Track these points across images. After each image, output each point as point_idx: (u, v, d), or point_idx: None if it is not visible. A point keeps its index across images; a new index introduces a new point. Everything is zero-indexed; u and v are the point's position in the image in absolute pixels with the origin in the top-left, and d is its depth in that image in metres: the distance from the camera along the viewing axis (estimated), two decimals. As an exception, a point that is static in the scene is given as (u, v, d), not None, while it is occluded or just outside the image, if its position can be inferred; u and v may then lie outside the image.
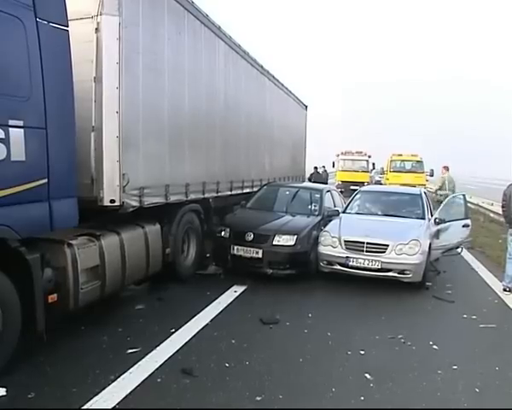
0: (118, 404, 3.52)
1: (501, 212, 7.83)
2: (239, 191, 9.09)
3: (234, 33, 8.45)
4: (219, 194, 8.06)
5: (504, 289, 7.03)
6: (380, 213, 8.30)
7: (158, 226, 6.10)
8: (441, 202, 9.01)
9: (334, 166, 27.77)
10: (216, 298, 6.11)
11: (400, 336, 5.08)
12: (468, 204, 10.65)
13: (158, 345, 4.54)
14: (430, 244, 7.22)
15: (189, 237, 7.19)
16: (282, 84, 12.55)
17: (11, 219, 3.75)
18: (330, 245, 7.16)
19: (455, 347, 4.99)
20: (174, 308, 5.78)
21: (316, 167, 20.48)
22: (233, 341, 4.80)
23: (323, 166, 21.78)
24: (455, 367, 4.41)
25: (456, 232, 8.06)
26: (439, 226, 7.84)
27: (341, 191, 14.70)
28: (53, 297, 4.20)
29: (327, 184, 17.21)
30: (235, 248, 7.15)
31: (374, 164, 28.04)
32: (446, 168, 12.93)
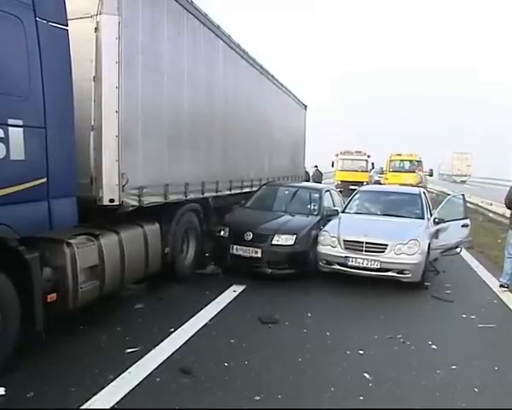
0: (117, 404, 3.51)
1: (500, 212, 7.85)
2: (238, 191, 9.08)
3: (233, 33, 8.45)
4: (219, 193, 8.06)
5: (502, 286, 7.08)
6: (379, 212, 8.30)
7: (157, 226, 6.10)
8: None
9: (333, 165, 27.82)
10: (215, 298, 6.11)
11: (399, 336, 5.08)
12: (468, 204, 10.66)
13: (157, 344, 4.54)
14: (429, 244, 7.22)
15: (189, 236, 7.19)
16: (282, 84, 12.54)
17: (10, 218, 3.75)
18: (329, 245, 7.16)
19: (454, 347, 5.00)
20: (173, 308, 5.78)
21: None
22: (232, 340, 4.80)
23: (316, 166, 21.43)
24: (454, 367, 4.42)
25: (455, 232, 8.07)
26: (439, 226, 7.85)
27: (340, 191, 14.69)
28: (52, 297, 4.19)
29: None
30: (235, 247, 7.15)
31: (373, 164, 28.10)
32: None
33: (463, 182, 46.78)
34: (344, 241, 7.06)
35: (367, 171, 27.10)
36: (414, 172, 23.06)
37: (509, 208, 7.29)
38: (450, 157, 50.61)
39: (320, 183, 17.99)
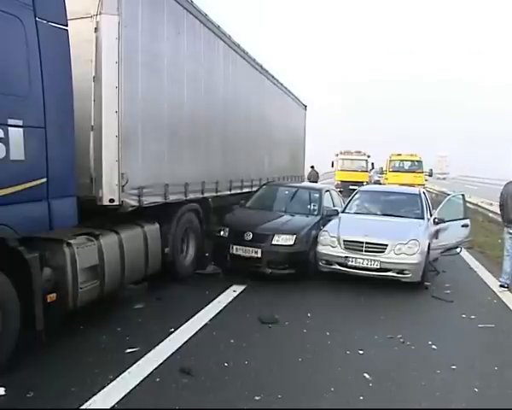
0: (117, 403, 3.51)
1: (499, 211, 7.88)
2: (238, 191, 9.09)
3: (233, 33, 8.45)
4: (218, 193, 8.06)
5: (502, 286, 7.11)
6: (379, 212, 8.29)
7: (157, 226, 6.10)
8: None
9: (333, 165, 27.83)
10: (215, 298, 6.11)
11: (399, 336, 5.08)
12: (468, 204, 10.65)
13: (157, 345, 4.54)
14: (429, 244, 7.22)
15: (189, 236, 7.18)
16: (282, 84, 12.55)
17: (10, 218, 3.75)
18: (329, 245, 7.15)
19: (454, 347, 5.00)
20: (173, 308, 5.78)
21: None
22: (232, 340, 4.80)
23: (312, 167, 21.36)
24: (454, 367, 4.42)
25: (455, 232, 8.08)
26: (439, 226, 7.85)
27: (340, 191, 14.70)
28: (52, 297, 4.19)
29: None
30: (235, 247, 7.15)
31: (373, 164, 28.14)
32: None
33: (444, 179, 56.27)
34: (344, 241, 7.06)
35: (367, 171, 27.11)
36: (414, 172, 23.09)
37: (501, 210, 7.43)
38: (434, 160, 60.93)
39: (316, 183, 17.97)
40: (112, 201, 5.11)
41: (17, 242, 3.85)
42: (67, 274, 4.40)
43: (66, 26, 4.28)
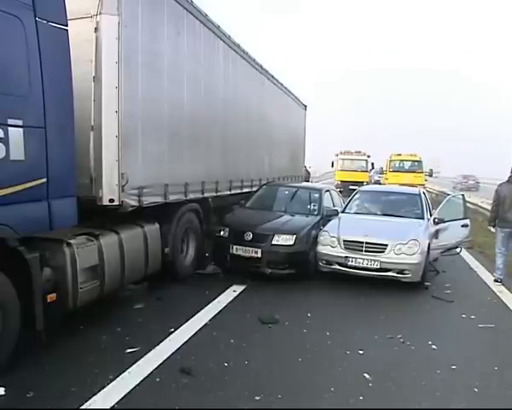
0: (117, 403, 3.51)
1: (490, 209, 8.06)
2: (238, 191, 9.08)
3: (233, 33, 8.45)
4: (218, 193, 8.06)
5: (495, 281, 7.34)
6: (379, 212, 8.29)
7: (157, 226, 6.10)
8: None
9: (333, 165, 27.84)
10: (215, 298, 6.11)
11: (399, 336, 5.08)
12: (468, 204, 10.65)
13: (157, 345, 4.54)
14: (429, 244, 7.22)
15: (189, 236, 7.19)
16: (282, 84, 12.54)
17: (10, 218, 3.75)
18: (329, 245, 7.16)
19: (454, 347, 5.00)
20: (173, 308, 5.78)
21: None
22: (232, 340, 4.80)
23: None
24: (454, 367, 4.42)
25: (455, 232, 8.08)
26: (438, 226, 7.85)
27: (340, 191, 14.69)
28: (52, 297, 4.19)
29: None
30: (235, 247, 7.15)
31: (373, 164, 28.14)
32: None
33: (436, 177, 58.54)
34: (344, 241, 7.06)
35: (367, 171, 27.12)
36: (414, 172, 23.13)
37: (493, 209, 7.71)
38: (428, 159, 65.33)
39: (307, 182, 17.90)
40: (112, 201, 5.11)
41: (17, 242, 3.85)
42: (67, 274, 4.40)
43: (66, 26, 4.28)
